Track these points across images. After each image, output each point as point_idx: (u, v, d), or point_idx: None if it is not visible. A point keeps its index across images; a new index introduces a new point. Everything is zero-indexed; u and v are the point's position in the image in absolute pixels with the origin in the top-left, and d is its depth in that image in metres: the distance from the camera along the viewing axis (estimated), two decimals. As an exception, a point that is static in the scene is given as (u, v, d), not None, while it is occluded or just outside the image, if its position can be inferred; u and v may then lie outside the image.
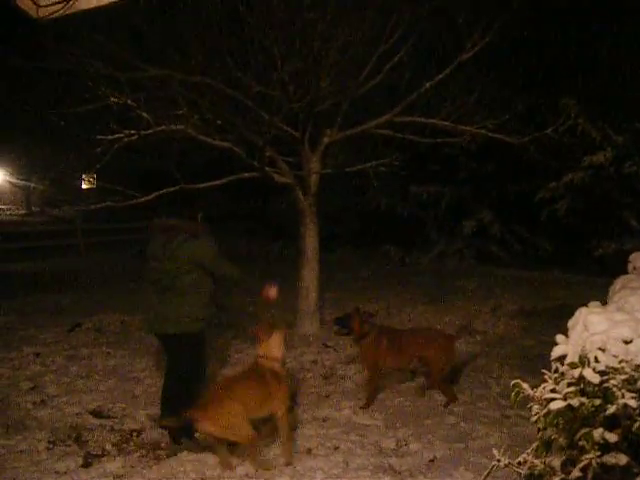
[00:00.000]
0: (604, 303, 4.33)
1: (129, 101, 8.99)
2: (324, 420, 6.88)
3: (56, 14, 3.61)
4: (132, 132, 9.17)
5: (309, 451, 6.09)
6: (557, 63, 14.45)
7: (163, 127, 9.27)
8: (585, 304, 3.98)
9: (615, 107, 15.22)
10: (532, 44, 13.00)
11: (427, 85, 10.09)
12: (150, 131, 9.25)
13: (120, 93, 8.98)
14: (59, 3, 3.51)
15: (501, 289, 13.48)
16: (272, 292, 6.44)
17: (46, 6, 3.74)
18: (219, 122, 9.63)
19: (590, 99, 14.93)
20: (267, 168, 10.01)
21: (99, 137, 9.03)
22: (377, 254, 17.69)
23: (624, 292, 4.27)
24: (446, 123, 10.26)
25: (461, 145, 12.11)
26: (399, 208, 17.61)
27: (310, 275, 10.40)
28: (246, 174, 10.37)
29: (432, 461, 5.89)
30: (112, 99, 8.96)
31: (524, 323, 10.76)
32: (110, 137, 9.06)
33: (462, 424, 6.68)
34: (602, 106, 15.16)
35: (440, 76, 10.18)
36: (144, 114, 9.06)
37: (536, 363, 7.23)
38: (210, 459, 5.80)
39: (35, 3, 3.63)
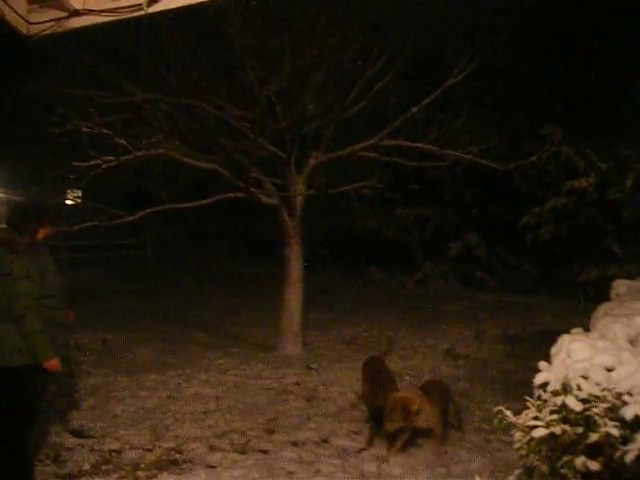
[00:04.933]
0: (587, 329, 4.35)
1: (104, 130, 8.97)
2: (305, 443, 6.82)
3: (47, 32, 3.61)
4: (110, 158, 9.13)
5: (290, 474, 6.03)
6: (542, 91, 14.62)
7: (143, 152, 9.26)
8: (568, 330, 4.00)
9: (598, 134, 15.40)
10: (517, 72, 13.16)
11: (414, 110, 10.19)
12: (129, 157, 9.22)
13: (101, 116, 8.98)
14: (51, 21, 3.52)
15: (485, 313, 13.49)
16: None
17: (37, 23, 3.74)
18: (204, 143, 9.66)
19: (574, 126, 15.12)
20: (253, 189, 10.03)
21: (76, 164, 8.99)
22: (362, 276, 17.68)
23: (607, 319, 4.30)
24: (432, 147, 10.35)
25: (446, 169, 12.20)
26: (384, 230, 17.65)
27: (294, 296, 10.38)
28: (232, 194, 10.39)
29: (414, 486, 5.86)
30: (84, 129, 8.94)
31: (508, 348, 10.77)
32: (86, 164, 9.02)
33: (444, 449, 6.65)
34: (586, 133, 15.35)
35: (426, 101, 10.28)
36: (121, 141, 9.03)
37: (519, 389, 7.20)
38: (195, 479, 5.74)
39: (26, 20, 3.63)
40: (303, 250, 10.49)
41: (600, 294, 6.49)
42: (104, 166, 9.12)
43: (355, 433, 7.03)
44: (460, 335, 11.49)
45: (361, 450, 6.59)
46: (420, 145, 10.40)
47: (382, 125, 10.35)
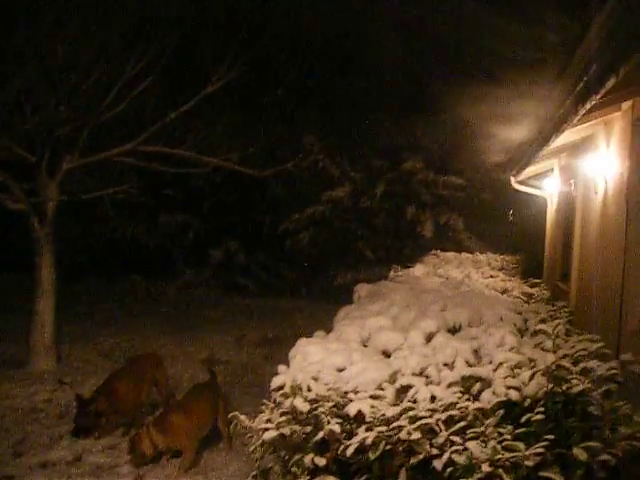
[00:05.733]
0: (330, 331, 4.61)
1: None
2: (56, 463, 6.50)
3: None
4: None
5: (39, 499, 5.72)
6: (300, 101, 15.24)
7: None
8: (321, 332, 4.23)
9: (352, 145, 16.44)
10: (276, 82, 13.59)
11: (172, 115, 10.13)
12: None
13: None
14: None
15: (246, 318, 13.74)
16: None
17: None
18: None
19: (330, 137, 15.99)
20: (-3, 194, 9.36)
21: None
22: (122, 285, 17.14)
23: (345, 322, 4.59)
24: (190, 154, 10.35)
25: (207, 176, 12.27)
26: (145, 237, 17.26)
27: (46, 307, 9.80)
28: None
29: (171, 495, 5.84)
30: None
31: (267, 351, 11.06)
32: None
33: (203, 455, 6.68)
34: (341, 144, 16.30)
35: (185, 107, 10.26)
36: None
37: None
38: None
39: None
40: (55, 258, 9.94)
41: (351, 297, 6.88)
42: None
43: (110, 448, 6.83)
44: (221, 341, 11.60)
45: None
46: (178, 151, 10.35)
47: (141, 130, 10.14)
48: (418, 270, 8.22)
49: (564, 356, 3.47)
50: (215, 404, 6.85)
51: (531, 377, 3.25)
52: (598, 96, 4.62)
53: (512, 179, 11.72)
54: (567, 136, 6.90)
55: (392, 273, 8.45)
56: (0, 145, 8.70)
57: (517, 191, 12.59)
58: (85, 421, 6.93)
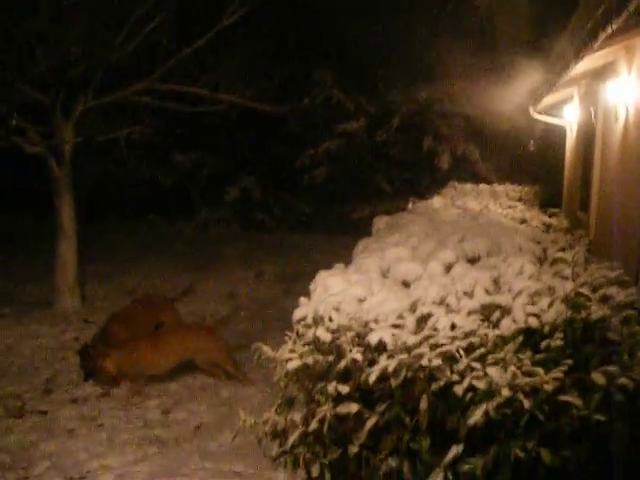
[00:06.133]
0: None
1: None
2: (87, 399, 6.71)
3: None
4: None
5: (71, 432, 5.92)
6: (313, 35, 14.98)
7: None
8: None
9: (367, 79, 16.19)
10: (288, 16, 13.36)
11: (186, 52, 10.01)
12: None
13: None
14: None
15: (264, 254, 13.83)
16: None
17: None
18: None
19: (344, 71, 15.76)
20: (15, 137, 9.37)
21: None
22: (141, 224, 17.28)
23: (364, 254, 4.63)
24: (205, 91, 10.27)
25: (222, 113, 12.19)
26: (161, 177, 17.28)
27: (68, 248, 9.96)
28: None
29: (198, 427, 6.01)
30: None
31: (286, 286, 11.17)
32: None
33: (227, 388, 6.85)
34: (355, 78, 16.06)
35: (199, 43, 10.13)
36: None
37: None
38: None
39: None
40: (75, 199, 10.04)
41: (369, 230, 6.91)
42: None
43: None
44: (240, 277, 11.73)
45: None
46: (193, 89, 10.27)
47: (154, 68, 10.05)
48: (436, 202, 8.18)
49: (583, 284, 3.48)
50: (188, 350, 7.05)
51: (550, 304, 3.28)
52: (620, 19, 4.49)
53: (531, 108, 11.52)
54: (587, 63, 6.74)
55: (410, 205, 8.42)
56: (14, 88, 8.67)
57: (536, 121, 12.40)
58: (89, 365, 7.04)
